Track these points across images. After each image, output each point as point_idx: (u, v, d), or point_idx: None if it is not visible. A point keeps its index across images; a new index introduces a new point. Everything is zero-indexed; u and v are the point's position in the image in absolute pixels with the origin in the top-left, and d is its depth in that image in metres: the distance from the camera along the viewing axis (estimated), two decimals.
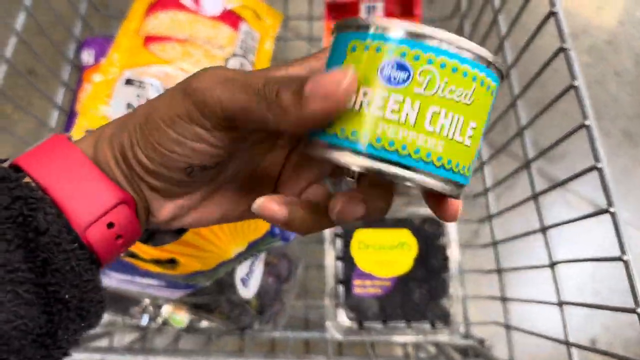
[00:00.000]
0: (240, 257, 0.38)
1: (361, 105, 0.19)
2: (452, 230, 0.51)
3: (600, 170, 0.34)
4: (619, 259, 0.32)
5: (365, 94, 0.19)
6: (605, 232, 0.34)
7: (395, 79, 0.18)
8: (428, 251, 0.50)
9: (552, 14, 0.40)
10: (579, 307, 0.38)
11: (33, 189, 0.21)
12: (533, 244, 0.45)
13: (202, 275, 0.37)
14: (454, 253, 0.50)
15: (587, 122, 0.35)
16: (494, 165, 0.55)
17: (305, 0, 0.64)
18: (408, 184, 0.19)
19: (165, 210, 0.24)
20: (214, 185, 0.24)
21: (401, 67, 0.18)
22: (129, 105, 0.53)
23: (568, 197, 1.13)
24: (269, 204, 0.22)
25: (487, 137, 0.55)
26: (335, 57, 0.20)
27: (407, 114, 0.18)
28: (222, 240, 0.36)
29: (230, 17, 0.58)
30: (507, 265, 0.51)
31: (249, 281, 0.43)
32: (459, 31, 0.61)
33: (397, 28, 0.18)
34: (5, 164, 0.22)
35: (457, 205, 0.21)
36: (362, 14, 0.63)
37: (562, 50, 0.39)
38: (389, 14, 0.62)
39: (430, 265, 0.50)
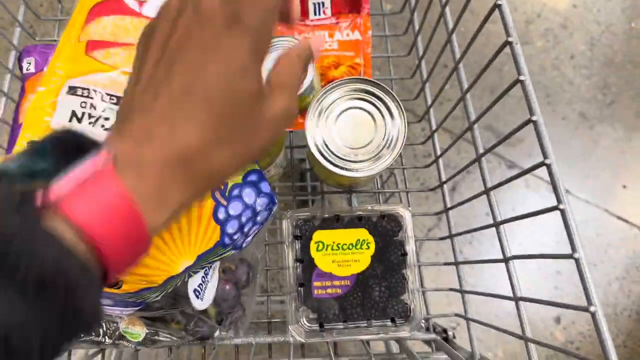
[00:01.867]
0: (189, 270, 0.37)
1: None
2: (409, 225, 0.50)
3: (549, 166, 0.34)
4: (570, 256, 0.31)
5: None
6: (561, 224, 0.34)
7: None
8: (386, 248, 0.50)
9: (496, 6, 0.39)
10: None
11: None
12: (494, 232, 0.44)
13: (150, 291, 0.35)
14: (411, 248, 0.50)
15: (534, 118, 0.35)
16: (454, 152, 0.55)
17: None
18: None
19: None
20: None
21: None
22: (73, 114, 0.51)
23: (528, 179, 1.15)
24: None
25: (445, 125, 0.54)
26: None
27: None
28: (168, 256, 0.34)
29: None
30: (469, 254, 0.50)
31: (203, 292, 0.41)
32: (409, 25, 0.60)
33: None
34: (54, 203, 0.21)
35: None
36: (310, 12, 0.61)
37: (507, 43, 0.38)
38: (336, 10, 0.61)
39: (389, 262, 0.49)
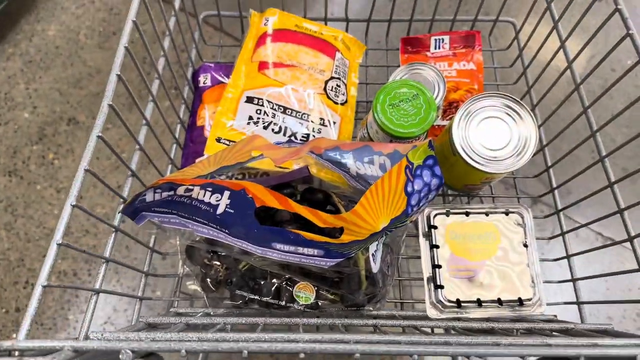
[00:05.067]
0: (384, 231, 0.44)
1: None
2: (529, 222, 0.57)
3: None
4: None
5: None
6: None
7: None
8: (510, 240, 0.57)
9: (628, 35, 0.48)
10: None
11: None
12: None
13: (357, 244, 0.43)
14: (532, 241, 0.57)
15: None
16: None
17: (384, 34, 0.73)
18: None
19: None
20: None
21: None
22: (250, 118, 0.61)
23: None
24: None
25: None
26: None
27: None
28: (372, 215, 0.42)
29: (327, 48, 0.67)
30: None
31: (376, 258, 0.49)
32: (517, 59, 0.69)
33: None
34: None
35: None
36: (432, 46, 0.71)
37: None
38: (453, 45, 0.71)
39: (514, 252, 0.56)
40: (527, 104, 0.66)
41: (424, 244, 0.58)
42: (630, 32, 0.46)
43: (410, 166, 0.45)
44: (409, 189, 0.45)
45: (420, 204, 0.47)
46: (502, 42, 0.73)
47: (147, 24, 0.91)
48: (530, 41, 0.66)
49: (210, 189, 0.44)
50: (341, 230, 0.41)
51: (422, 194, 0.46)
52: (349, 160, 0.46)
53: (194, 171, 0.47)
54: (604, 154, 0.52)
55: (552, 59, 0.59)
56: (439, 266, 0.56)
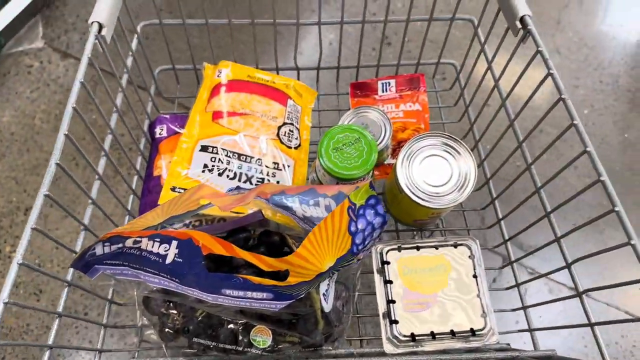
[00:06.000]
0: (329, 271, 0.46)
1: None
2: (477, 253, 0.59)
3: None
4: None
5: None
6: None
7: None
8: (460, 271, 0.58)
9: (548, 74, 0.52)
10: None
11: None
12: None
13: (305, 285, 0.44)
14: (481, 272, 0.59)
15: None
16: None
17: (334, 80, 0.76)
18: None
19: None
20: None
21: None
22: (205, 166, 0.62)
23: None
24: None
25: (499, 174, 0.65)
26: None
27: None
28: (318, 256, 0.44)
29: (279, 96, 0.69)
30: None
31: (328, 297, 0.50)
32: (460, 98, 0.73)
33: None
34: None
35: None
36: (379, 89, 0.75)
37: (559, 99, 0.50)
38: (399, 88, 0.74)
39: (464, 283, 0.58)
40: (470, 140, 0.70)
41: (378, 280, 0.59)
42: (550, 71, 0.50)
43: (353, 206, 0.47)
44: (353, 228, 0.46)
45: (366, 242, 0.48)
46: (447, 83, 0.77)
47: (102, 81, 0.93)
48: (472, 79, 0.70)
49: (158, 240, 0.45)
50: (287, 273, 0.42)
51: (366, 233, 0.48)
52: (294, 203, 0.48)
53: (143, 222, 0.48)
54: (539, 185, 0.54)
55: (488, 98, 0.62)
56: (393, 301, 0.57)
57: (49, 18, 1.27)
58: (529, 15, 0.52)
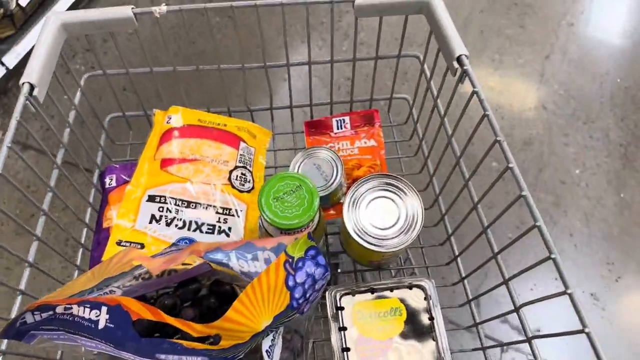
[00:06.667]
0: (268, 329, 0.44)
1: None
2: (433, 294, 0.58)
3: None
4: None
5: None
6: None
7: None
8: (416, 314, 0.57)
9: (485, 115, 0.51)
10: None
11: None
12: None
13: (239, 348, 0.42)
14: (437, 313, 0.57)
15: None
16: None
17: (289, 119, 0.75)
18: None
19: None
20: None
21: None
22: (152, 217, 0.61)
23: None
24: None
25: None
26: None
27: None
28: (253, 315, 0.42)
29: (230, 139, 0.69)
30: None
31: (272, 353, 0.48)
32: (414, 132, 0.73)
33: None
34: None
35: None
36: (334, 127, 0.74)
37: (496, 141, 0.50)
38: (354, 124, 0.74)
39: (420, 325, 0.57)
40: (426, 174, 0.69)
41: (333, 326, 0.57)
42: (486, 113, 0.50)
43: (290, 260, 0.46)
44: (291, 283, 0.45)
45: (307, 296, 0.47)
46: (402, 117, 0.76)
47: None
48: (425, 113, 0.69)
49: (88, 306, 0.43)
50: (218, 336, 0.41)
51: (306, 286, 0.46)
52: (231, 260, 0.47)
53: (76, 286, 0.46)
54: (485, 225, 0.53)
55: (437, 134, 0.62)
56: (348, 349, 0.56)
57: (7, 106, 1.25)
58: (465, 55, 0.52)
